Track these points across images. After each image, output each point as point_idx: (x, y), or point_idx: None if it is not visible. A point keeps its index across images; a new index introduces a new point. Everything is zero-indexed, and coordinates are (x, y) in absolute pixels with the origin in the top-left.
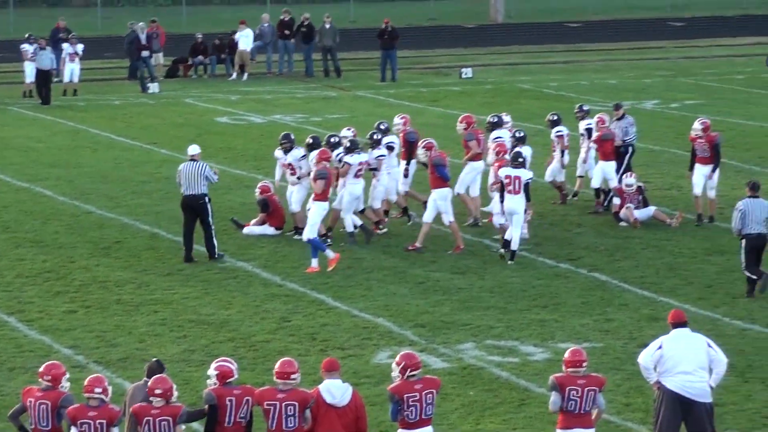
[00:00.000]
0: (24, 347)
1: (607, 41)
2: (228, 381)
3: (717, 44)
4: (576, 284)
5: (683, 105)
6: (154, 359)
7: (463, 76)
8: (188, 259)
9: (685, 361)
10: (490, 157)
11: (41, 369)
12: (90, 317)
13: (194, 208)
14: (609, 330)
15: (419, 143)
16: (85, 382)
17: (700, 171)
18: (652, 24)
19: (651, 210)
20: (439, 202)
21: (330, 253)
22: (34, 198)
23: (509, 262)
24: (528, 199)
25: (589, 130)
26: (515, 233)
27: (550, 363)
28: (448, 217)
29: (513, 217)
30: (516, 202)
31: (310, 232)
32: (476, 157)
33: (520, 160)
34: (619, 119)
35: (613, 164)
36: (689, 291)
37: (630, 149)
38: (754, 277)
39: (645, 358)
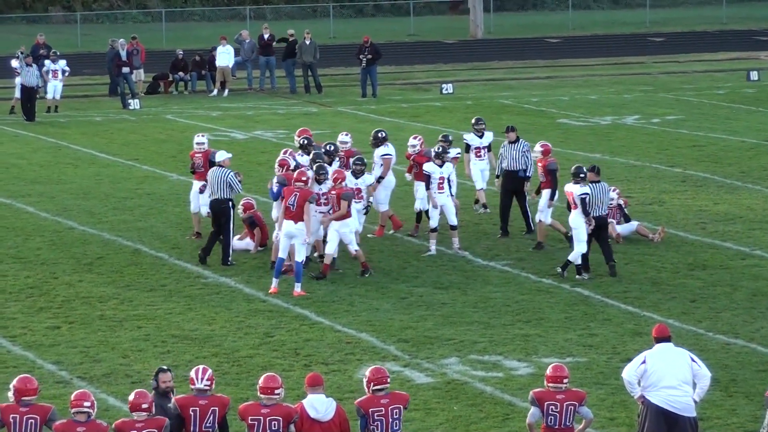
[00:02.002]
0: (7, 363)
1: (588, 56)
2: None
3: (697, 59)
4: (559, 299)
5: (664, 120)
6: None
7: (444, 91)
8: (203, 261)
9: (669, 375)
10: (377, 170)
11: (22, 385)
12: (73, 333)
13: (218, 213)
14: (592, 345)
15: (277, 159)
16: (72, 397)
17: (545, 196)
18: (633, 39)
19: (633, 225)
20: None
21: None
22: (15, 214)
23: (565, 274)
24: (586, 214)
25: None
26: (576, 248)
27: (534, 378)
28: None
29: (574, 232)
30: (572, 218)
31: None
32: None
33: (581, 176)
34: (512, 142)
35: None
36: (672, 306)
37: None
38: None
39: (629, 372)
